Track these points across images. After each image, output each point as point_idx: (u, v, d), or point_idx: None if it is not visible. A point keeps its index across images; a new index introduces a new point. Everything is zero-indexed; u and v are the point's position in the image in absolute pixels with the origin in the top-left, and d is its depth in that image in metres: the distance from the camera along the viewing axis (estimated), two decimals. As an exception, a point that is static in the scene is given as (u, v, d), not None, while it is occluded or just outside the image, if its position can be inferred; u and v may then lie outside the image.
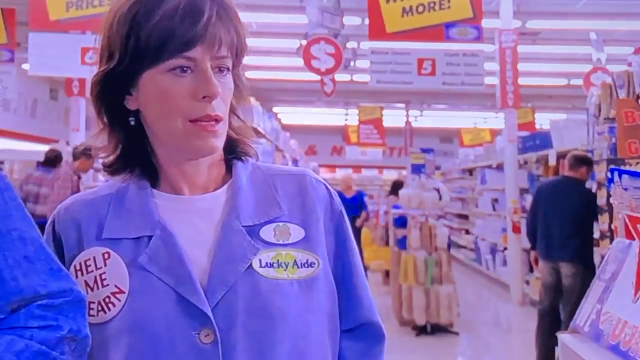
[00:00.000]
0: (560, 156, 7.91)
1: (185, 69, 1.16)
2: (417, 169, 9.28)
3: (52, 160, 8.47)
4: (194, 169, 1.25)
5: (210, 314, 1.14)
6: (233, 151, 1.31)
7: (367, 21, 9.37)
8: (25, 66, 6.93)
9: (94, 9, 8.48)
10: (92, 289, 1.18)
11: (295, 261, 1.22)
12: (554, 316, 6.03)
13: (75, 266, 1.20)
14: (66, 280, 1.08)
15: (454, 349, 7.79)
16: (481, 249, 13.05)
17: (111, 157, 1.28)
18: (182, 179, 1.26)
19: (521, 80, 10.59)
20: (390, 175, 23.72)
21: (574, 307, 1.54)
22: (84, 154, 7.89)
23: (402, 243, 8.54)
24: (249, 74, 15.96)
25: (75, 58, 8.50)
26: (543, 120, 18.86)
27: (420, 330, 7.97)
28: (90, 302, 1.15)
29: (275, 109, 20.51)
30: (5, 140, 15.35)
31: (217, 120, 1.18)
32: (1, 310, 1.01)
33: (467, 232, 15.70)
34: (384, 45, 9.39)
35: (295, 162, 12.96)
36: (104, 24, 1.22)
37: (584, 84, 11.60)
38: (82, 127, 10.32)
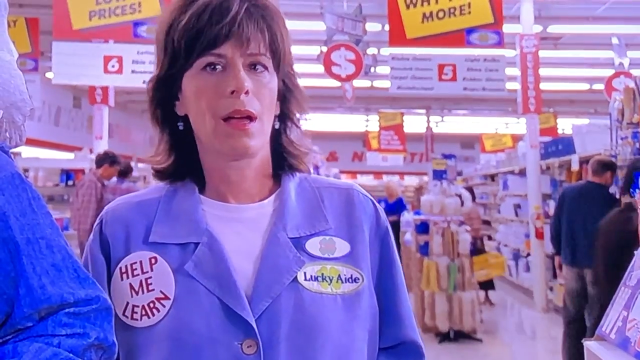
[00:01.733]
0: (583, 161, 7.86)
1: (215, 66, 1.18)
2: (438, 175, 9.27)
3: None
4: (238, 176, 1.25)
5: (254, 325, 1.13)
6: (282, 165, 1.30)
7: (387, 27, 9.37)
8: (49, 75, 7.02)
9: (116, 18, 8.56)
10: (136, 293, 1.18)
11: (339, 276, 1.21)
12: (580, 323, 5.98)
13: (120, 268, 1.20)
14: (93, 288, 1.08)
15: (477, 356, 7.73)
16: (503, 255, 12.96)
17: (164, 164, 1.28)
18: (227, 186, 1.25)
19: (543, 85, 10.52)
20: (412, 181, 23.67)
21: (600, 313, 1.52)
22: (107, 160, 7.95)
23: (424, 249, 8.51)
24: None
25: (98, 66, 8.58)
26: (565, 126, 18.73)
27: (443, 337, 7.93)
28: (134, 306, 1.16)
29: (295, 116, 20.53)
30: (30, 149, 15.51)
31: (250, 118, 1.18)
32: (29, 318, 1.01)
33: (490, 238, 15.59)
34: (405, 51, 9.38)
35: (316, 168, 12.95)
36: (155, 34, 1.26)
37: (605, 89, 11.49)
38: (105, 134, 10.40)
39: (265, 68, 1.20)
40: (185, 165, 1.27)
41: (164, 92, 1.25)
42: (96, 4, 8.41)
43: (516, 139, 18.67)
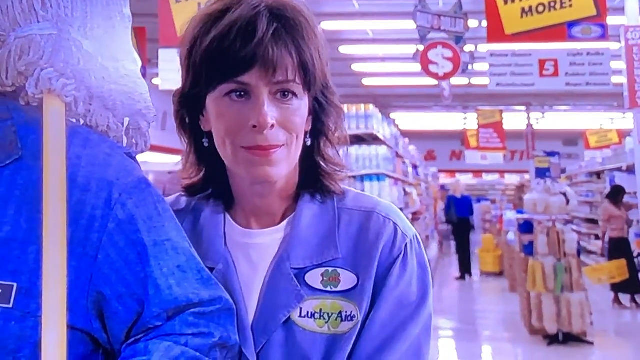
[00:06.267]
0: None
1: (240, 93, 1.10)
2: (541, 173, 9.04)
3: None
4: (261, 199, 1.20)
5: None
6: (310, 185, 1.22)
7: (484, 23, 9.19)
8: (156, 81, 7.23)
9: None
10: None
11: (340, 312, 1.14)
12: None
13: None
14: (216, 289, 1.11)
15: (588, 360, 7.49)
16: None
17: (195, 178, 1.26)
18: (251, 207, 1.21)
19: (651, 78, 10.08)
20: (512, 180, 23.19)
21: None
22: None
23: (528, 249, 8.32)
24: (366, 81, 16.02)
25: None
26: (675, 118, 17.87)
27: (552, 340, 7.71)
28: None
29: (392, 115, 20.44)
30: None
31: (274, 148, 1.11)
32: (159, 318, 1.05)
33: (597, 237, 15.07)
34: (504, 47, 9.18)
35: (415, 167, 12.88)
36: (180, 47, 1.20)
37: None
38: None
39: (294, 94, 1.12)
40: (214, 180, 1.23)
41: (189, 108, 1.20)
42: (199, 11, 8.64)
43: (622, 134, 18.00)
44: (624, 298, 10.47)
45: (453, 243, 16.82)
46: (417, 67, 9.43)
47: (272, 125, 1.09)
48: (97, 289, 1.03)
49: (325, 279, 1.15)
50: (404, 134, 14.08)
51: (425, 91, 15.50)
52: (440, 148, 26.02)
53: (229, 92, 1.11)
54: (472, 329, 9.13)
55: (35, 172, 1.01)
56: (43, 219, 0.98)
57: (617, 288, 10.17)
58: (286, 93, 1.11)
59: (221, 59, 1.08)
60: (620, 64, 9.96)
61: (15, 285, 0.98)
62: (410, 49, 9.45)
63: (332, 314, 1.13)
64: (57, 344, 0.93)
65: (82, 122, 1.14)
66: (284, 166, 1.13)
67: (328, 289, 1.14)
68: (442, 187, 23.06)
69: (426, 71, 9.22)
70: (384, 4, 10.58)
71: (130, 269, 1.05)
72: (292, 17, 1.12)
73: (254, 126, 1.08)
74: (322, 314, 1.13)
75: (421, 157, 17.40)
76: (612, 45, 9.54)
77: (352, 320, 1.13)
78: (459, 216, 15.43)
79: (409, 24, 9.28)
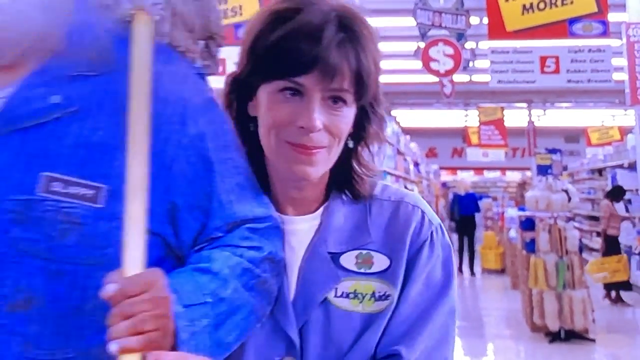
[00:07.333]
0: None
1: (294, 92, 1.15)
2: (543, 170, 9.03)
3: None
4: (297, 191, 1.24)
5: (297, 343, 1.16)
6: (339, 183, 1.27)
7: (485, 20, 9.17)
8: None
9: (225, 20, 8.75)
10: None
11: (373, 293, 1.20)
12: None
13: None
14: (267, 207, 1.21)
15: (590, 357, 7.47)
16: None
17: None
18: (286, 198, 1.25)
19: (652, 75, 10.06)
20: (514, 177, 23.17)
21: None
22: None
23: (530, 246, 8.32)
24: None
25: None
26: (677, 115, 17.85)
27: (554, 337, 7.70)
28: None
29: (394, 112, 20.43)
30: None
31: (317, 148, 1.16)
32: (220, 229, 1.15)
33: (599, 234, 15.06)
34: (505, 44, 9.17)
35: (416, 165, 12.88)
36: (244, 33, 1.24)
37: None
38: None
39: (345, 102, 1.17)
40: (252, 165, 1.26)
41: (240, 91, 1.24)
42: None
43: (624, 131, 17.98)
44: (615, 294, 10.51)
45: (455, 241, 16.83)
46: (418, 64, 9.42)
47: (319, 129, 1.14)
48: (171, 199, 1.13)
49: (359, 261, 1.21)
50: (405, 131, 14.10)
51: (426, 88, 15.47)
52: (442, 145, 26.00)
53: (284, 88, 1.15)
54: (474, 326, 9.12)
55: (125, 83, 1.08)
56: (129, 128, 1.05)
57: (608, 284, 10.17)
58: (337, 100, 1.16)
59: (284, 57, 1.13)
60: (621, 61, 9.94)
61: (105, 187, 1.07)
62: (411, 46, 9.43)
63: (366, 294, 1.19)
64: (139, 245, 1.01)
65: (165, 40, 1.21)
66: (323, 167, 1.19)
67: (362, 270, 1.20)
68: (444, 185, 23.06)
69: (427, 68, 9.21)
70: (384, 1, 10.56)
71: (199, 182, 1.14)
72: (358, 30, 1.16)
73: (302, 127, 1.14)
74: (356, 294, 1.19)
75: (422, 155, 17.43)
76: (614, 42, 9.53)
77: (386, 300, 1.20)
78: (462, 214, 15.46)
79: (410, 21, 9.27)
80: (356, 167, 1.27)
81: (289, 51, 1.11)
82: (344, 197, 1.27)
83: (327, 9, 1.15)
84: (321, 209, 1.26)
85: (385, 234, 1.23)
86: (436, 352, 1.19)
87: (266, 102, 1.17)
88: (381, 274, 1.20)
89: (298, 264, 1.22)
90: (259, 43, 1.16)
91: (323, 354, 1.17)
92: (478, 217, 16.56)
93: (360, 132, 1.25)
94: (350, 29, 1.15)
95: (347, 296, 1.19)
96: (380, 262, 1.21)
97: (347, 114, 1.18)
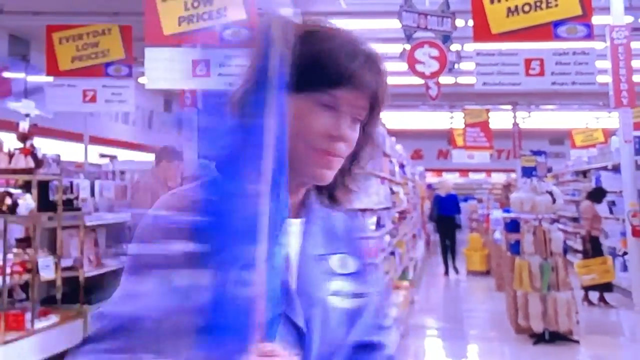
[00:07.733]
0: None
1: (327, 106, 1.22)
2: (528, 172, 9.05)
3: None
4: (298, 191, 1.32)
5: (307, 335, 1.22)
6: (325, 194, 1.37)
7: (470, 23, 9.19)
8: (142, 80, 7.18)
9: (204, 23, 8.66)
10: None
11: (352, 292, 1.31)
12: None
13: None
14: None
15: (575, 358, 7.50)
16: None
17: None
18: (289, 202, 1.28)
19: (636, 78, 10.11)
20: (499, 179, 23.24)
21: None
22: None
23: (515, 248, 8.34)
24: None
25: (187, 71, 8.69)
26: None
27: (538, 338, 7.73)
28: None
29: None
30: (125, 151, 16.08)
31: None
32: None
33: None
34: (490, 47, 9.19)
35: (402, 166, 12.87)
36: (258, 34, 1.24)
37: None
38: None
39: (359, 121, 1.28)
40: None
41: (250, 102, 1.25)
42: (184, 10, 8.56)
43: (608, 133, 18.08)
44: (593, 296, 10.56)
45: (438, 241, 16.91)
46: (403, 66, 9.43)
47: (348, 140, 1.25)
48: None
49: (341, 263, 1.32)
50: (391, 132, 14.07)
51: (411, 90, 15.48)
52: (427, 147, 26.07)
53: (315, 100, 1.22)
54: (459, 328, 9.13)
55: None
56: None
57: (587, 286, 10.23)
58: (355, 119, 1.26)
59: (325, 70, 1.20)
60: (605, 64, 10.00)
61: None
62: (397, 48, 9.43)
63: (349, 292, 1.30)
64: None
65: None
66: (334, 173, 1.28)
67: (344, 272, 1.32)
68: (429, 186, 23.09)
69: (413, 70, 9.22)
70: (370, 3, 10.57)
71: None
72: (377, 55, 1.28)
73: (332, 136, 1.23)
74: (340, 293, 1.29)
75: (408, 156, 17.42)
76: (598, 45, 9.57)
77: (362, 297, 1.33)
78: (442, 214, 15.56)
79: (395, 23, 9.27)
80: (346, 180, 1.36)
81: (329, 65, 1.20)
82: (323, 202, 1.36)
83: (359, 43, 1.26)
84: (303, 214, 1.33)
85: (347, 239, 1.38)
86: None
87: (297, 109, 1.21)
88: (355, 275, 1.33)
89: (293, 264, 1.27)
90: (300, 55, 1.16)
91: (320, 350, 1.24)
92: (463, 218, 16.60)
93: (357, 149, 1.33)
94: (375, 65, 1.26)
95: (335, 294, 1.28)
96: (353, 264, 1.34)
97: (357, 130, 1.28)
